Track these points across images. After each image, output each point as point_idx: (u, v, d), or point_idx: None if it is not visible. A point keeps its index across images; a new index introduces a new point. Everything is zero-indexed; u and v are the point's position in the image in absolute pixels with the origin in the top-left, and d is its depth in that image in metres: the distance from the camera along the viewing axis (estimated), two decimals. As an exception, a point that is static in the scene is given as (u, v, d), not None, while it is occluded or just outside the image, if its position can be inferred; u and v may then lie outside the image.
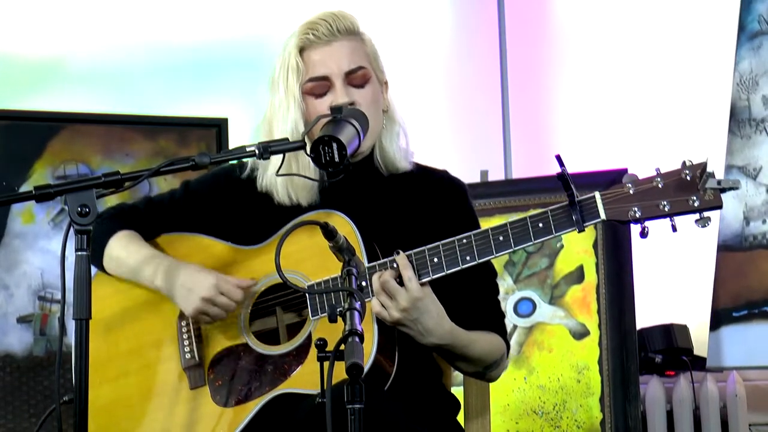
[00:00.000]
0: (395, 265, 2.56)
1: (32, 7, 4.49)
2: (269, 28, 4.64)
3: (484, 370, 2.74)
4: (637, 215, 2.50)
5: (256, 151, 2.53)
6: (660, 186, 2.49)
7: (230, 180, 2.85)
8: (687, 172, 2.48)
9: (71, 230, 2.33)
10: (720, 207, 2.47)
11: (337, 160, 2.49)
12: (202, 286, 2.68)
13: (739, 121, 4.24)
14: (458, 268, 2.57)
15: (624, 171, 4.15)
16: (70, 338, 2.75)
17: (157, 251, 2.80)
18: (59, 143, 4.20)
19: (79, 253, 2.32)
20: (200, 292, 2.68)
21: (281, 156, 2.63)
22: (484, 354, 2.70)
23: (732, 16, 4.35)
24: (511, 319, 4.26)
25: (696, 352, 4.40)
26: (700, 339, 4.34)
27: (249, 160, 2.81)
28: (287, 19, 4.59)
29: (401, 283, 2.54)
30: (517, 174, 4.83)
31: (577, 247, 4.24)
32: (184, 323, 2.78)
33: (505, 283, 4.26)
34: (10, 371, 4.05)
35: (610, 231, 4.21)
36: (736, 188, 2.47)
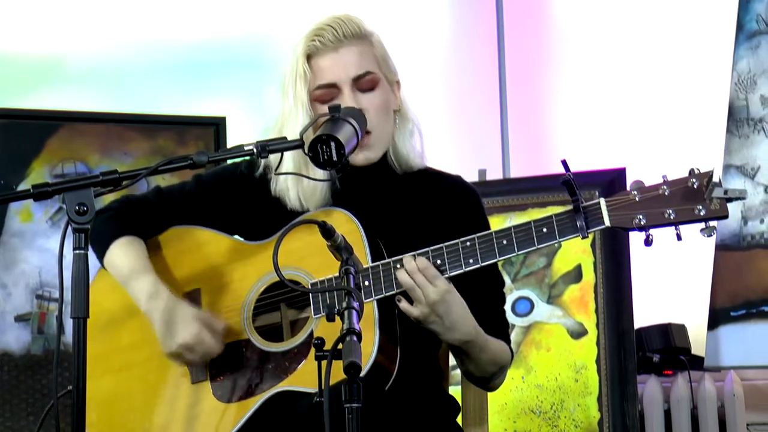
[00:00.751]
0: (399, 266, 2.55)
1: (31, 6, 4.48)
2: (268, 28, 4.64)
3: (491, 377, 2.73)
4: (642, 223, 2.46)
5: (254, 150, 2.53)
6: (666, 193, 2.46)
7: (242, 177, 2.84)
8: (694, 180, 2.45)
9: (69, 229, 2.33)
10: (726, 217, 2.43)
11: (335, 159, 2.49)
12: (184, 331, 2.66)
13: (737, 120, 4.24)
14: (461, 271, 2.56)
15: (622, 170, 4.16)
16: (68, 337, 2.74)
17: (151, 272, 2.75)
18: (57, 142, 4.19)
19: (77, 251, 2.31)
20: (180, 337, 2.66)
21: (291, 163, 2.67)
22: (497, 357, 2.70)
23: (730, 15, 4.35)
24: (508, 318, 4.25)
25: (694, 351, 4.40)
26: (698, 338, 4.34)
27: (262, 161, 2.79)
28: (287, 18, 4.61)
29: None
30: (515, 173, 4.82)
31: (575, 247, 4.23)
32: None
33: (503, 282, 4.26)
34: (8, 370, 4.05)
35: (608, 231, 4.19)
36: (743, 198, 2.43)
